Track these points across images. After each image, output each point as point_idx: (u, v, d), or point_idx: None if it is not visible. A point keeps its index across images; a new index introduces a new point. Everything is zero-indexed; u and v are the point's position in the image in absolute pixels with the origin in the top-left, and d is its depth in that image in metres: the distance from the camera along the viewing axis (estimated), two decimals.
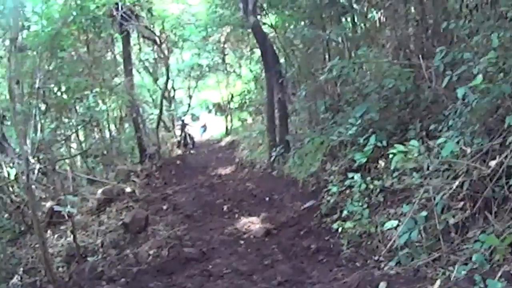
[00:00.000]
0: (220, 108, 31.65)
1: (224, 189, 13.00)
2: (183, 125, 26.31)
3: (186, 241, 8.78)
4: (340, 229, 7.55)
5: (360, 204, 7.63)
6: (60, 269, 8.52)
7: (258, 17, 13.88)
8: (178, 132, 27.36)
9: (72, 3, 13.42)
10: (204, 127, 32.13)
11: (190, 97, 30.16)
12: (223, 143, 25.09)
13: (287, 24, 14.41)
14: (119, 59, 20.15)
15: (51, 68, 12.94)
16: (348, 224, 7.46)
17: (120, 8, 16.49)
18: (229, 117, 28.20)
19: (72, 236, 8.79)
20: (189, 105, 30.22)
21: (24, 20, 11.76)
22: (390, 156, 6.08)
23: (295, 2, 13.22)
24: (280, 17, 14.55)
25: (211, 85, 31.79)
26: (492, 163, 5.31)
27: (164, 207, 11.80)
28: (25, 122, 11.14)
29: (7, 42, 11.06)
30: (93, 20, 14.57)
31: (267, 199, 11.07)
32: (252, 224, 9.55)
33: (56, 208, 8.11)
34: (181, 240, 8.77)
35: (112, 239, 9.38)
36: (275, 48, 14.44)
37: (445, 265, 5.12)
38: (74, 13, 13.18)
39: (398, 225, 6.06)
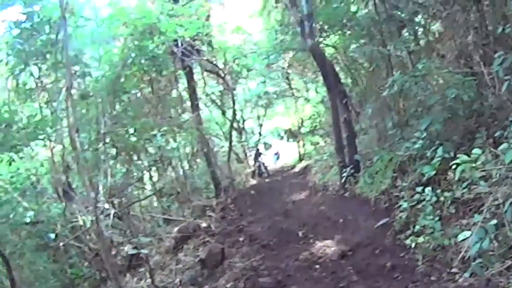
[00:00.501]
0: (292, 134, 31.56)
1: (299, 215, 13.00)
2: (257, 155, 26.52)
3: (262, 271, 8.85)
4: (413, 245, 7.52)
5: (432, 217, 7.53)
6: None
7: (321, 39, 13.96)
8: (251, 162, 27.54)
9: (131, 45, 13.81)
10: (277, 155, 32.06)
11: (261, 125, 30.18)
12: (296, 169, 25.00)
13: (347, 43, 14.41)
14: (186, 95, 20.47)
15: (115, 112, 13.27)
16: (422, 239, 7.41)
17: (180, 44, 16.67)
18: (301, 142, 28.09)
19: (150, 277, 9.05)
20: (260, 134, 30.27)
21: (84, 67, 12.18)
22: (454, 166, 5.99)
23: (352, 21, 13.25)
24: (340, 37, 14.56)
25: (280, 111, 31.87)
26: None
27: (241, 239, 11.89)
28: (93, 168, 11.55)
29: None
30: (153, 60, 14.80)
31: (341, 220, 10.99)
32: (327, 247, 9.51)
33: (130, 251, 8.35)
34: (256, 271, 8.84)
35: (190, 276, 9.55)
36: (338, 68, 14.49)
37: None
38: (133, 55, 13.52)
39: (470, 236, 5.96)
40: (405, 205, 8.46)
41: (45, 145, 12.49)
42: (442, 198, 7.66)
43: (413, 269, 7.11)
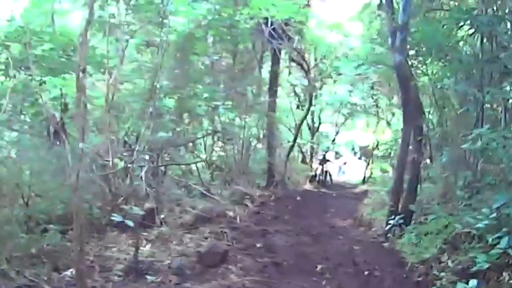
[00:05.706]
0: (365, 153, 29.86)
1: (329, 244, 11.47)
2: (324, 161, 25.44)
3: None
4: None
5: None
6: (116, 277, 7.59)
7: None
8: (315, 166, 26.35)
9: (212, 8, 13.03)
10: (342, 168, 30.72)
11: (337, 133, 28.89)
12: (356, 190, 23.50)
13: (441, 74, 12.22)
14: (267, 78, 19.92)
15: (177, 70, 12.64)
16: None
17: (269, 24, 16.02)
18: (370, 165, 26.45)
19: (135, 249, 8.05)
20: (333, 141, 29.14)
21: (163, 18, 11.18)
22: None
23: (452, 51, 11.28)
24: (434, 65, 12.38)
25: (361, 126, 30.63)
26: None
27: (257, 245, 10.59)
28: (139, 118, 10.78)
29: None
30: (230, 29, 14.11)
31: (366, 272, 9.20)
32: None
33: (114, 217, 7.20)
34: None
35: (180, 265, 8.29)
36: (423, 99, 12.55)
37: None
38: (210, 17, 12.67)
39: None
40: None
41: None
42: None
43: None
